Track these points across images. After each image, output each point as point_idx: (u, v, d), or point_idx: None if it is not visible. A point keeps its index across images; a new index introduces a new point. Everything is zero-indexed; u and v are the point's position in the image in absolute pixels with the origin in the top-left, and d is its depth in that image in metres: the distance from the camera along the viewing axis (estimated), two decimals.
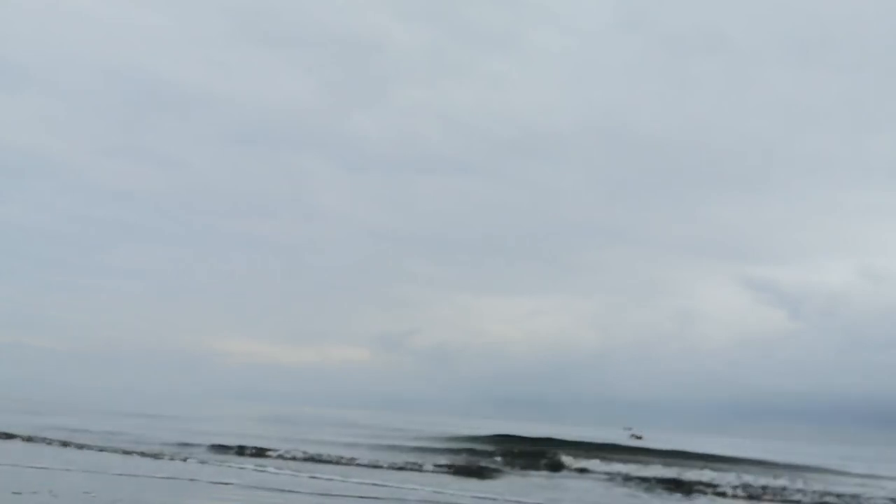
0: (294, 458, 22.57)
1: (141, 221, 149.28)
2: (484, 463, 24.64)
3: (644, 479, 22.13)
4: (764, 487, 21.68)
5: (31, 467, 15.41)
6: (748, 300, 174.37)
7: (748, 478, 23.45)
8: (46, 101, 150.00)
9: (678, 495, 19.41)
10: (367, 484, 16.29)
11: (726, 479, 22.91)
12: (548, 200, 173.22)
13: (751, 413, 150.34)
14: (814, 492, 21.24)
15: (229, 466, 19.10)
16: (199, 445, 25.29)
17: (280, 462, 21.36)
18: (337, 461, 22.45)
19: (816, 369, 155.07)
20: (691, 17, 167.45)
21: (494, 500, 15.13)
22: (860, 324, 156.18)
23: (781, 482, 23.01)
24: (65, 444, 23.16)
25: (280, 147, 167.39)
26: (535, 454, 27.36)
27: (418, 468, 21.91)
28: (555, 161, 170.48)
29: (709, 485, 21.58)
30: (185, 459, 20.31)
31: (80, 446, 22.74)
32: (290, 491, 14.24)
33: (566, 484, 20.46)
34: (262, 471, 18.30)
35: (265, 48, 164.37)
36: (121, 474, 15.20)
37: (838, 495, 20.90)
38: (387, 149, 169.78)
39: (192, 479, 15.24)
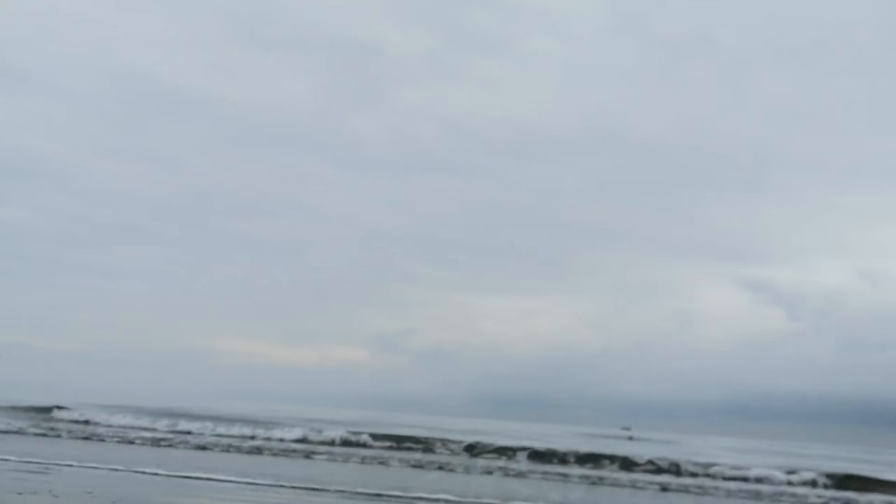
0: None
1: (141, 222, 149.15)
2: None
3: None
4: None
5: (31, 467, 15.61)
6: (746, 301, 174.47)
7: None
8: (47, 104, 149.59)
9: None
10: None
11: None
12: (545, 202, 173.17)
13: (749, 413, 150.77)
14: None
15: None
16: None
17: None
18: None
19: (815, 369, 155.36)
20: (685, 22, 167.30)
21: None
22: (858, 324, 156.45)
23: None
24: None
25: (279, 149, 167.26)
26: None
27: None
28: (552, 163, 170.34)
29: None
30: None
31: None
32: None
33: None
34: None
35: (264, 51, 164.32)
36: (123, 472, 15.42)
37: None
38: (385, 150, 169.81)
39: (190, 478, 15.45)
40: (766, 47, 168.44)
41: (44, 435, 26.27)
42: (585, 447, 31.09)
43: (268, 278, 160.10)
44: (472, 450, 28.13)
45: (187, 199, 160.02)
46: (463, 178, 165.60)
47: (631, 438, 56.46)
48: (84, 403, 39.49)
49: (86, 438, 25.94)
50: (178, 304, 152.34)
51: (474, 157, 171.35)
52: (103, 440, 25.77)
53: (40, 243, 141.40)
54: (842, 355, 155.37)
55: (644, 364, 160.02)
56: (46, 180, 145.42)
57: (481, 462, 25.37)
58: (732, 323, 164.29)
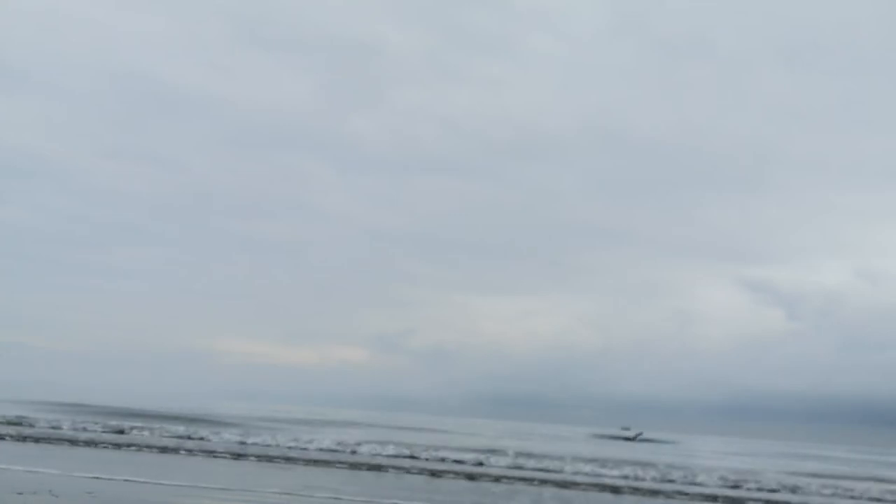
0: None
1: (141, 222, 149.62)
2: None
3: None
4: None
5: (32, 467, 15.48)
6: (746, 300, 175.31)
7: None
8: (47, 104, 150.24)
9: None
10: None
11: None
12: (545, 202, 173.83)
13: (749, 413, 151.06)
14: None
15: None
16: None
17: None
18: None
19: (815, 369, 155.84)
20: (685, 22, 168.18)
21: None
22: (857, 324, 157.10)
23: None
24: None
25: (279, 149, 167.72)
26: None
27: None
28: (552, 163, 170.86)
29: None
30: None
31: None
32: None
33: None
34: None
35: (264, 51, 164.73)
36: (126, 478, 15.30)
37: None
38: (385, 150, 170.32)
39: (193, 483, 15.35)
40: (765, 47, 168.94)
41: None
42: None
43: (268, 278, 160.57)
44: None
45: (187, 199, 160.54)
46: (463, 178, 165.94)
47: (634, 438, 56.16)
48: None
49: None
50: (178, 304, 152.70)
51: (474, 157, 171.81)
52: None
53: (40, 243, 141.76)
54: (842, 355, 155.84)
55: (644, 364, 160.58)
56: (46, 180, 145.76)
57: None
58: (732, 323, 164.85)
